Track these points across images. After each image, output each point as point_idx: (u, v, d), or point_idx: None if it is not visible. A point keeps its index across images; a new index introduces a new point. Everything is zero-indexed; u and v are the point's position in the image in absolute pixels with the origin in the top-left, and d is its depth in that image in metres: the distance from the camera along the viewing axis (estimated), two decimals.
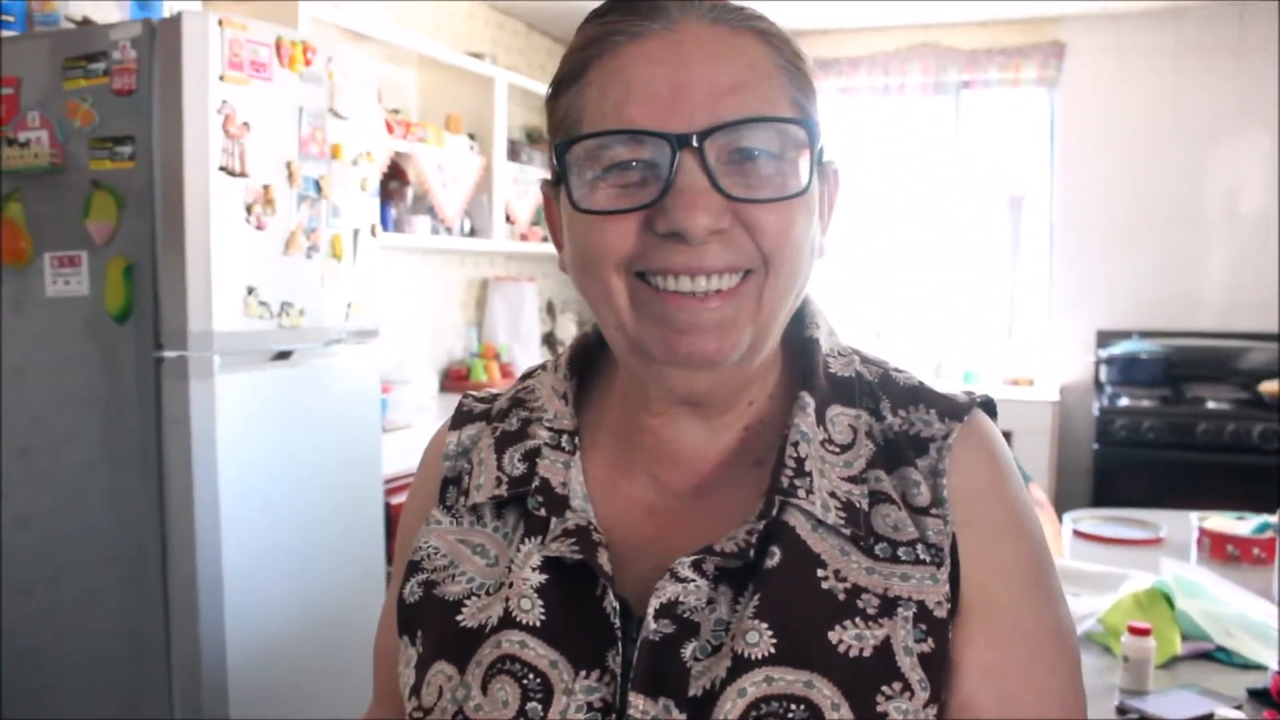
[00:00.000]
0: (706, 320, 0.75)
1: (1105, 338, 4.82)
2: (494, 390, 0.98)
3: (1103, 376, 4.72)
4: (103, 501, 2.36)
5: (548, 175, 0.84)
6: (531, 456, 0.86)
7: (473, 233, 4.31)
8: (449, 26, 4.45)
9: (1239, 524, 2.68)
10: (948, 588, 0.76)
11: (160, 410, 2.28)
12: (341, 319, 2.67)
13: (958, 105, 5.13)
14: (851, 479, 0.80)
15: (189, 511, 2.26)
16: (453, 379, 4.42)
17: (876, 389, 0.86)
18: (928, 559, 0.77)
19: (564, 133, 0.79)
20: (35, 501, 2.43)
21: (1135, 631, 1.82)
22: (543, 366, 0.94)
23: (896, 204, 5.26)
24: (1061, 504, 3.48)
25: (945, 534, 0.78)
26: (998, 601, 0.79)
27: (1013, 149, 5.11)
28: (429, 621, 0.83)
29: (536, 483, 0.84)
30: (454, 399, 4.11)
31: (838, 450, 0.82)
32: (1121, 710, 1.73)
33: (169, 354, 2.27)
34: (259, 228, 2.38)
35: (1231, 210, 4.69)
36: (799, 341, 0.88)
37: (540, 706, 0.75)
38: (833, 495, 0.79)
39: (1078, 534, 2.91)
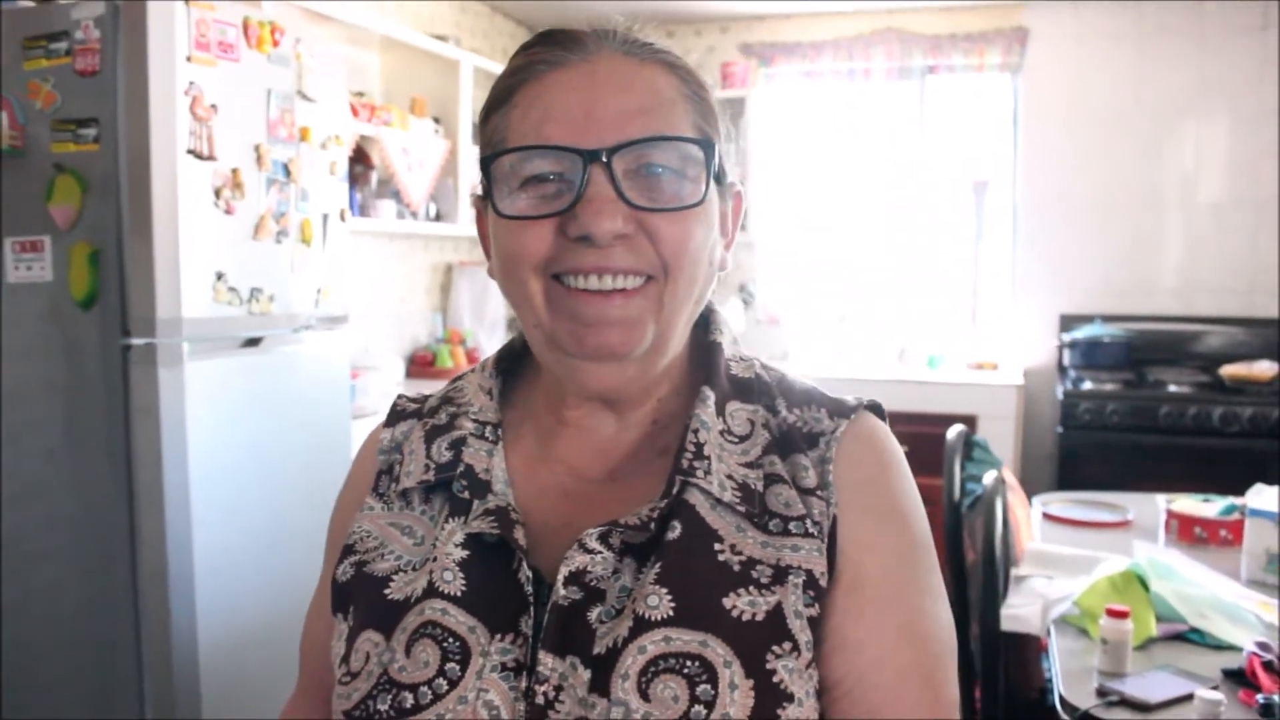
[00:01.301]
0: (612, 315, 0.84)
1: (1068, 322, 4.85)
2: (426, 393, 1.07)
3: (1066, 360, 4.75)
4: (67, 491, 2.32)
5: (479, 190, 0.93)
6: (458, 445, 0.94)
7: (438, 217, 4.28)
8: (412, 8, 4.40)
9: (1206, 506, 2.71)
10: (827, 561, 0.84)
11: (128, 398, 2.24)
12: (311, 305, 2.63)
13: (922, 90, 5.14)
14: (748, 464, 0.89)
15: (159, 501, 2.22)
16: (418, 365, 4.38)
17: (774, 389, 0.95)
18: (814, 533, 0.85)
19: (491, 149, 0.88)
20: None
21: (1113, 614, 1.84)
22: (473, 369, 1.03)
23: (860, 189, 5.27)
24: (1026, 488, 3.49)
25: (827, 514, 0.86)
26: (869, 578, 0.85)
27: (977, 134, 5.12)
28: (359, 597, 0.91)
29: (461, 468, 0.92)
30: (420, 385, 4.08)
31: (736, 440, 0.90)
32: (1101, 692, 1.75)
33: (136, 341, 2.23)
34: (228, 212, 2.34)
35: (1191, 195, 4.74)
36: (703, 345, 0.97)
37: (458, 667, 0.82)
38: (730, 478, 0.87)
39: (1047, 517, 2.94)
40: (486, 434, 0.95)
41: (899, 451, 0.94)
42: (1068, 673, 1.86)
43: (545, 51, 0.87)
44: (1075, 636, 2.04)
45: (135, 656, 2.28)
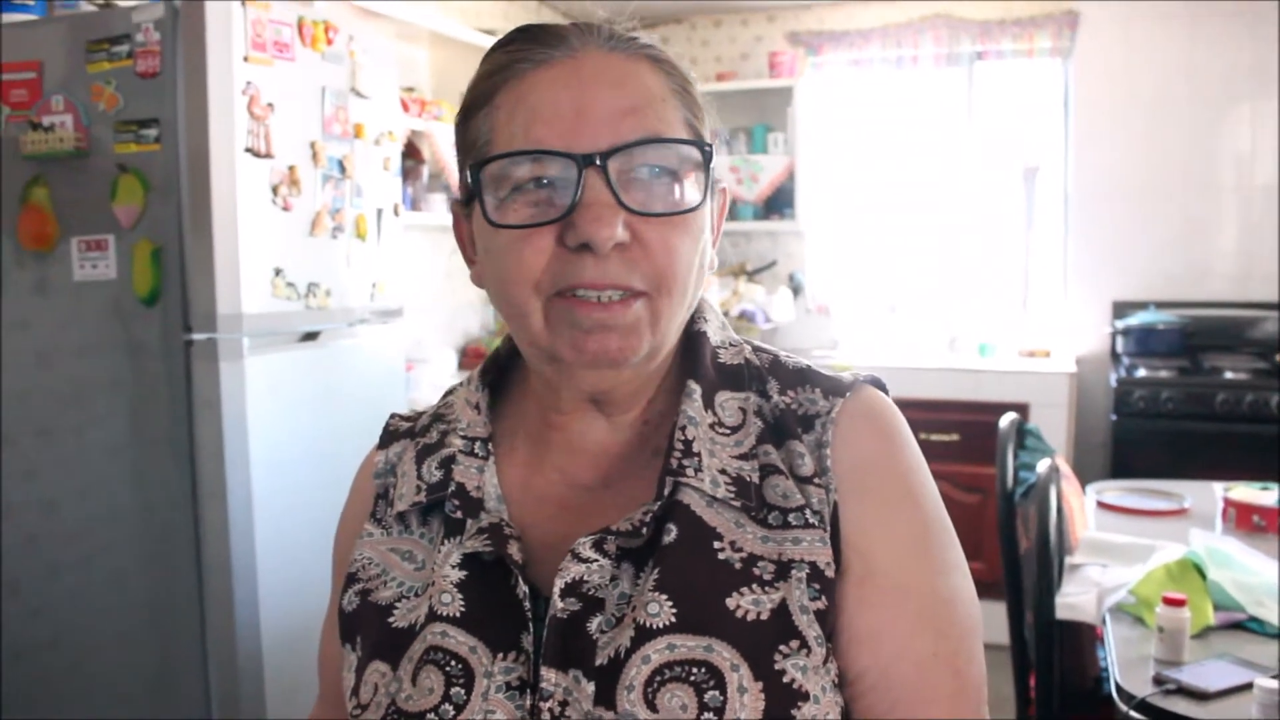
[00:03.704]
0: (610, 321, 0.81)
1: (1121, 308, 4.80)
2: (419, 409, 1.05)
3: (1119, 348, 4.70)
4: (130, 484, 2.37)
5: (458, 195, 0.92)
6: (447, 464, 0.92)
7: None
8: (460, 3, 4.43)
9: (1264, 494, 2.69)
10: (831, 550, 0.82)
11: (190, 393, 2.28)
12: (366, 299, 2.67)
13: (971, 77, 5.10)
14: (742, 456, 0.86)
15: (222, 493, 2.27)
16: (470, 357, 4.42)
17: (765, 373, 0.92)
18: (815, 523, 0.82)
19: (476, 154, 0.85)
20: (61, 484, 2.44)
21: (1170, 602, 1.84)
22: (462, 383, 1.01)
23: (909, 177, 5.24)
24: (1079, 476, 3.46)
25: (826, 502, 0.83)
26: (881, 567, 0.83)
27: (1027, 120, 5.08)
28: (365, 627, 0.90)
29: (452, 487, 0.90)
30: None
31: (728, 432, 0.87)
32: (1158, 681, 1.74)
33: (198, 336, 2.27)
34: (285, 209, 2.38)
35: (1246, 178, 4.67)
36: (689, 336, 0.93)
37: (463, 690, 0.81)
38: (723, 472, 0.85)
39: (1102, 505, 2.92)
40: (476, 450, 0.92)
41: (902, 426, 0.90)
42: (1124, 661, 1.86)
43: (526, 49, 0.84)
44: (1131, 625, 2.03)
45: (200, 649, 2.33)
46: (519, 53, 0.85)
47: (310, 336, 2.51)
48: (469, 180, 0.85)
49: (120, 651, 2.42)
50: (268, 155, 2.33)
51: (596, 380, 0.86)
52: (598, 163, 0.79)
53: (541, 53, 0.84)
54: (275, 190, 2.35)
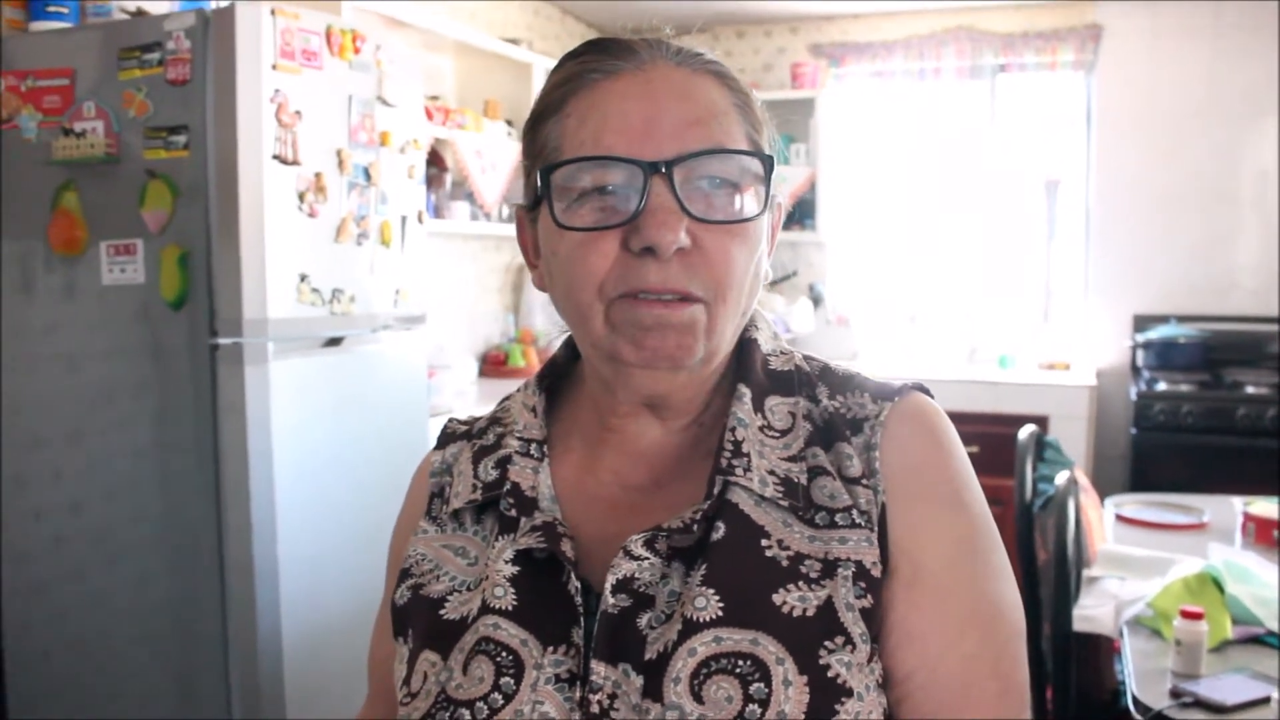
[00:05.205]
0: (669, 319, 0.84)
1: (1142, 322, 4.79)
2: (476, 415, 1.08)
3: (1140, 361, 4.69)
4: (154, 486, 2.40)
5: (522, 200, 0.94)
6: (503, 464, 0.95)
7: (511, 218, 4.32)
8: (485, 13, 4.46)
9: None
10: (878, 550, 0.83)
11: (215, 397, 2.31)
12: (390, 305, 2.70)
13: (993, 89, 5.10)
14: (790, 458, 0.88)
15: (245, 497, 2.29)
16: (491, 364, 4.44)
17: (815, 379, 0.94)
18: (862, 523, 0.84)
19: (545, 159, 0.88)
20: (88, 486, 2.47)
21: (1188, 615, 1.84)
22: (519, 388, 1.04)
23: (931, 189, 5.25)
24: (1098, 489, 3.44)
25: (875, 503, 0.85)
26: (927, 568, 0.84)
27: (1049, 133, 5.08)
28: (416, 619, 0.92)
29: (507, 486, 0.93)
30: (493, 384, 4.15)
31: (777, 435, 0.90)
32: (1175, 694, 1.74)
33: (224, 341, 2.29)
34: (311, 215, 2.41)
35: (1268, 192, 4.65)
36: (740, 344, 0.95)
37: (512, 681, 0.82)
38: (771, 473, 0.87)
39: (1120, 519, 2.92)
40: (531, 451, 0.95)
41: (950, 430, 0.91)
42: (1141, 674, 1.86)
43: (598, 60, 0.87)
44: (1148, 638, 2.03)
45: (221, 649, 2.35)
46: (590, 64, 0.87)
47: (334, 342, 2.53)
48: (537, 184, 0.87)
49: (143, 652, 2.44)
50: (295, 162, 2.35)
51: (653, 383, 0.88)
52: (663, 170, 0.82)
53: (612, 64, 0.87)
54: (301, 197, 2.38)
